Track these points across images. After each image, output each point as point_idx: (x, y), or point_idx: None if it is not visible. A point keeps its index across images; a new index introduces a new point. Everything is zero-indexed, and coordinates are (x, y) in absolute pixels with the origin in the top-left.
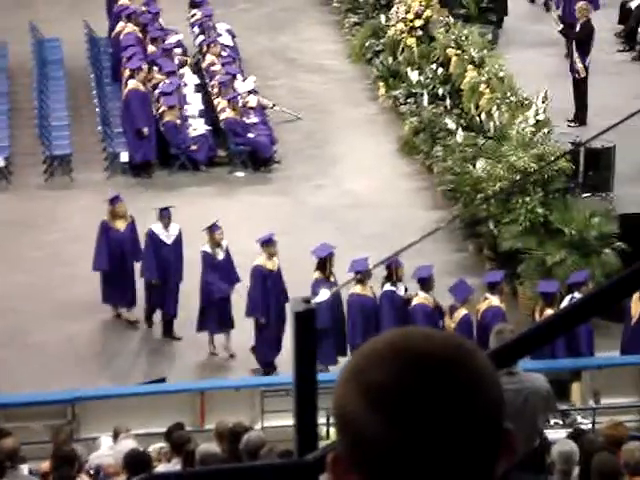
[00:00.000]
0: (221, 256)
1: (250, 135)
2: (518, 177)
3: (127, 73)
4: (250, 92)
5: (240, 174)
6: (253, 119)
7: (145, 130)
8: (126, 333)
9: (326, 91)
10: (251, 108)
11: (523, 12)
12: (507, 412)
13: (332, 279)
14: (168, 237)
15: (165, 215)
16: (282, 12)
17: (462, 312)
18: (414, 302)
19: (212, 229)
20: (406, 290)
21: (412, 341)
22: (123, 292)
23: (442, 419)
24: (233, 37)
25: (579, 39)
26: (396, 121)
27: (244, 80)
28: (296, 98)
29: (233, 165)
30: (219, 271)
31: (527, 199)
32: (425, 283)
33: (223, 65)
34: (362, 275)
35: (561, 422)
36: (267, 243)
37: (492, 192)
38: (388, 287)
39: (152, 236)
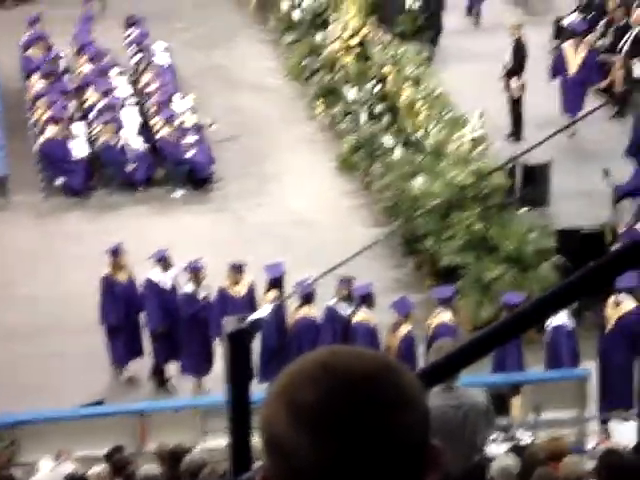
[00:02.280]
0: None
1: (188, 154)
2: (455, 193)
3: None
4: (188, 111)
5: (178, 193)
6: (191, 138)
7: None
8: (66, 356)
9: (264, 109)
10: (188, 127)
11: (459, 29)
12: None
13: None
14: (168, 282)
15: (163, 258)
16: (219, 31)
17: (405, 328)
18: (355, 320)
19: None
20: (349, 307)
21: (340, 360)
22: (133, 345)
23: (369, 437)
24: (170, 56)
25: (514, 59)
26: (334, 139)
27: (181, 99)
28: (234, 117)
29: (171, 184)
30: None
31: (465, 215)
32: (366, 300)
33: (160, 84)
34: (306, 296)
35: (501, 437)
36: (236, 269)
37: (430, 206)
38: (331, 303)
39: (151, 284)
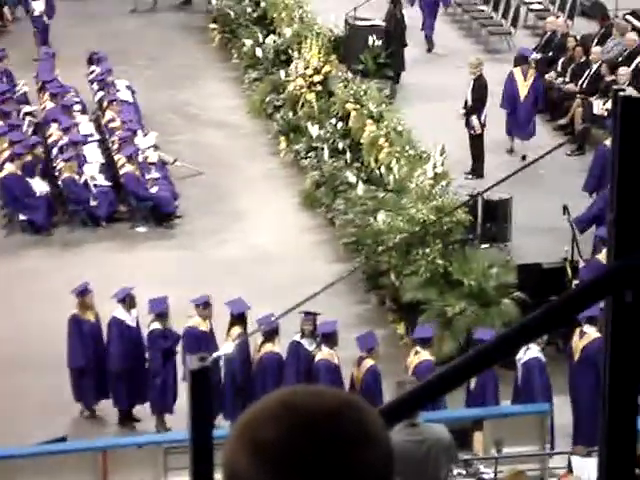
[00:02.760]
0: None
1: (151, 190)
2: (418, 229)
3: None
4: (151, 148)
5: (142, 229)
6: (154, 174)
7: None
8: (28, 394)
9: (227, 146)
10: (152, 163)
11: (420, 67)
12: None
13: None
14: (132, 320)
15: (126, 297)
16: (182, 68)
17: (369, 363)
18: (318, 358)
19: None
20: (314, 343)
21: (301, 398)
22: (100, 386)
23: (330, 475)
24: (133, 93)
25: (474, 97)
26: (297, 175)
27: (145, 136)
28: (197, 153)
29: (134, 220)
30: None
31: (427, 251)
32: (329, 338)
33: (123, 121)
34: (270, 332)
35: (464, 472)
36: (202, 305)
37: (393, 244)
38: (296, 338)
39: (117, 323)
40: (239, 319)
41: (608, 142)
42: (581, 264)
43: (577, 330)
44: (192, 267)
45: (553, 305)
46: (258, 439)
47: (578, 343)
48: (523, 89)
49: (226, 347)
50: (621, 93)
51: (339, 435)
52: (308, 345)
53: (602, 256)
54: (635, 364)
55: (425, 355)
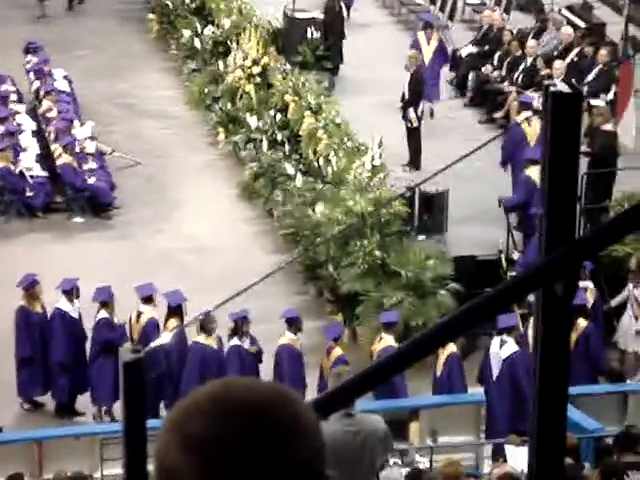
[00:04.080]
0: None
1: (89, 181)
2: (355, 220)
3: None
4: (88, 138)
5: (79, 220)
6: (91, 165)
7: None
8: None
9: (166, 137)
10: (89, 154)
11: (358, 60)
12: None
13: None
14: (75, 312)
15: (70, 288)
16: (120, 59)
17: (338, 352)
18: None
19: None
20: (252, 343)
21: (233, 391)
22: (46, 378)
23: (261, 468)
24: (70, 83)
25: (411, 90)
26: (236, 166)
27: (82, 126)
28: (135, 144)
29: (71, 211)
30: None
31: (365, 242)
32: (293, 323)
33: (60, 111)
34: (207, 324)
35: (400, 461)
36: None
37: (331, 235)
38: (235, 342)
39: (61, 314)
40: (176, 311)
41: (520, 119)
42: (516, 255)
43: (496, 340)
44: (129, 258)
45: (486, 297)
46: (189, 432)
47: (497, 353)
48: (428, 53)
49: (164, 338)
50: (552, 89)
51: (270, 428)
52: (246, 344)
53: (529, 171)
54: (564, 356)
55: (390, 341)
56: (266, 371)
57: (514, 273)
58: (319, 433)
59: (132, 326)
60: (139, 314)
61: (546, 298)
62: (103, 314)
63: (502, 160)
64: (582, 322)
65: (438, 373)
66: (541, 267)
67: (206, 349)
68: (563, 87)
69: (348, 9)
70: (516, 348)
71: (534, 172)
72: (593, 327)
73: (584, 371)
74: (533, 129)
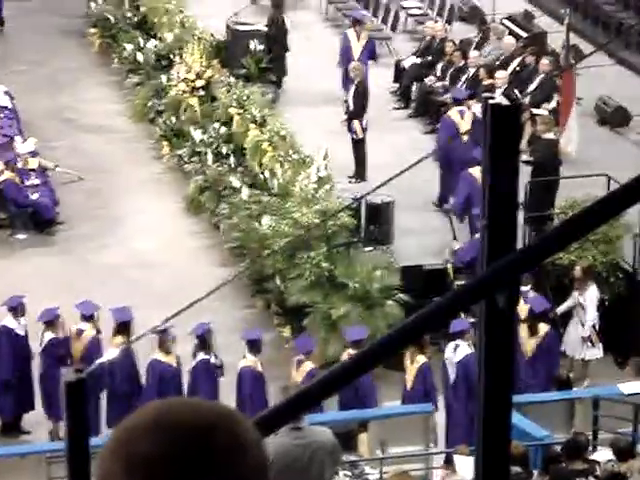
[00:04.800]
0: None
1: (31, 197)
2: (302, 232)
3: None
4: (31, 154)
5: (21, 236)
6: (34, 181)
7: None
8: None
9: (109, 151)
10: (32, 170)
11: (303, 72)
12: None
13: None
14: (22, 329)
15: (16, 305)
16: (61, 73)
17: (308, 366)
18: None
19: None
20: (215, 357)
21: (176, 412)
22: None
23: None
24: (11, 98)
25: (356, 102)
26: (181, 180)
27: (24, 142)
28: (78, 159)
29: (14, 227)
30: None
31: (312, 254)
32: (254, 345)
33: (1, 127)
34: (164, 341)
35: (349, 473)
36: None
37: (277, 247)
38: (202, 356)
39: (6, 331)
40: (123, 327)
41: (451, 113)
42: (457, 246)
43: (450, 345)
44: (74, 274)
45: (428, 311)
46: (131, 453)
47: (451, 357)
48: (357, 49)
49: (110, 353)
50: (491, 101)
51: (213, 448)
52: (214, 358)
53: (472, 169)
54: (508, 367)
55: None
56: (226, 386)
57: (461, 282)
58: (262, 452)
59: (73, 343)
60: (80, 332)
61: (488, 309)
62: (50, 335)
63: (436, 154)
64: (543, 327)
65: (409, 386)
66: (483, 278)
67: (165, 366)
68: (502, 99)
69: None
70: (469, 351)
71: (476, 171)
72: (553, 332)
73: (545, 376)
74: (466, 122)
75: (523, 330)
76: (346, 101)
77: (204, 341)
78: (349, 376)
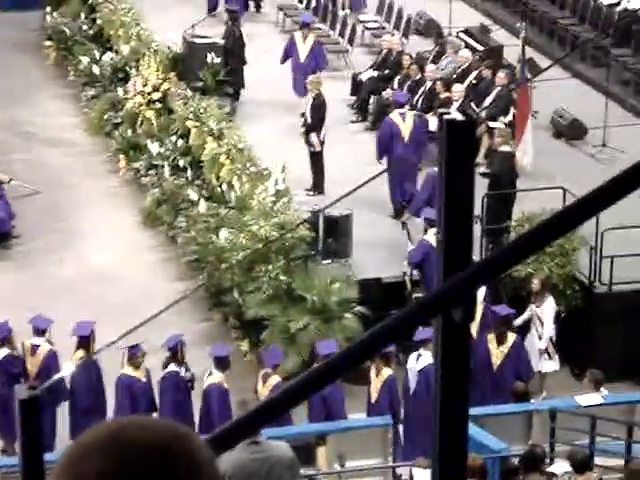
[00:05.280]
0: None
1: None
2: (260, 245)
3: None
4: None
5: None
6: None
7: None
8: None
9: (66, 164)
10: None
11: (260, 84)
12: None
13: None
14: None
15: None
16: (17, 87)
17: (275, 379)
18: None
19: None
20: (186, 370)
21: (129, 430)
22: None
23: None
24: None
25: (314, 115)
26: (138, 193)
27: None
28: (35, 172)
29: None
30: None
31: (270, 267)
32: (221, 362)
33: None
34: (134, 355)
35: None
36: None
37: (235, 261)
38: (172, 368)
39: None
40: (84, 341)
41: (393, 116)
42: (410, 247)
43: (413, 354)
44: (30, 288)
45: (386, 325)
46: (84, 470)
47: (413, 366)
48: (303, 51)
49: (66, 369)
50: (446, 117)
51: (165, 467)
52: (183, 372)
53: (429, 236)
54: (464, 380)
55: None
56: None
57: (419, 294)
58: (215, 470)
59: (27, 359)
60: (34, 347)
61: (445, 323)
62: (5, 351)
63: (378, 155)
64: (511, 336)
65: (373, 399)
66: (439, 293)
67: (134, 381)
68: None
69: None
70: (432, 360)
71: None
72: (521, 340)
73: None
74: (407, 125)
75: (491, 341)
76: (304, 114)
77: (175, 353)
78: (309, 389)
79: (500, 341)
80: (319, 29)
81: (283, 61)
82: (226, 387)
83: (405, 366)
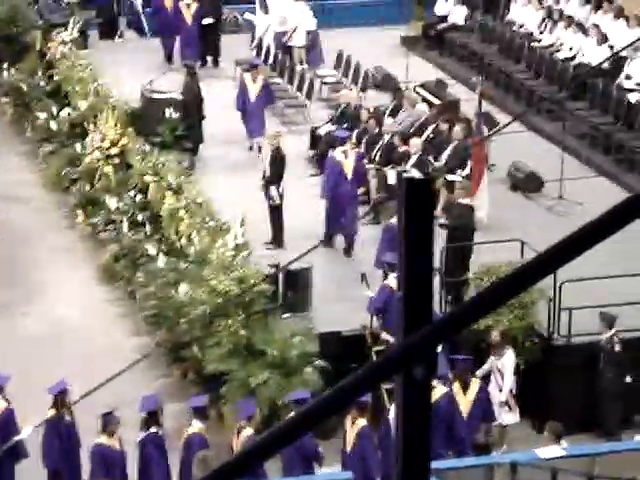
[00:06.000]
0: None
1: None
2: (220, 300)
3: None
4: None
5: None
6: None
7: None
8: None
9: (23, 220)
10: None
11: (219, 139)
12: None
13: (68, 417)
14: None
15: None
16: None
17: (249, 431)
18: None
19: None
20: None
21: None
22: None
23: None
24: None
25: (273, 168)
26: (96, 248)
27: None
28: None
29: None
30: None
31: (229, 321)
32: (200, 413)
33: None
34: (108, 424)
35: None
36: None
37: (194, 315)
38: (153, 429)
39: None
40: (56, 401)
41: (336, 154)
42: (369, 294)
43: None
44: None
45: (346, 384)
46: None
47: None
48: (253, 91)
49: (25, 432)
50: (405, 175)
51: None
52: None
53: (390, 281)
54: (425, 435)
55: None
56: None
57: (379, 348)
58: None
59: None
60: None
61: (405, 380)
62: None
63: (322, 193)
64: (475, 382)
65: (348, 448)
66: (399, 351)
67: (109, 450)
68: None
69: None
70: (365, 423)
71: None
72: (485, 386)
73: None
74: (350, 161)
75: (456, 388)
76: (263, 169)
77: (155, 415)
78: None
79: (465, 389)
80: (302, 105)
81: (238, 106)
82: (207, 437)
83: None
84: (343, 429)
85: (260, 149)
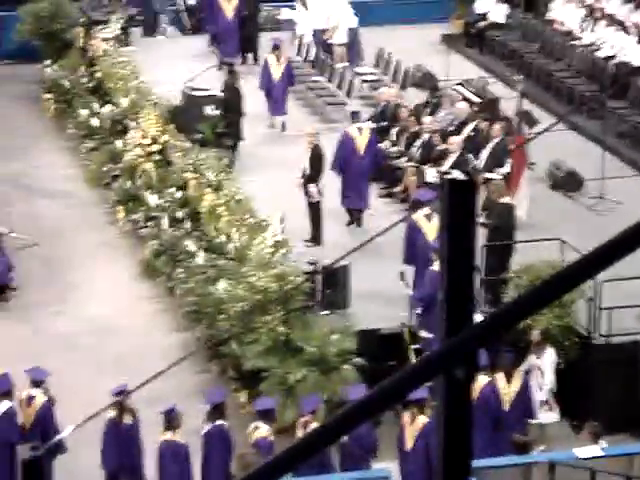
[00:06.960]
0: None
1: None
2: (259, 297)
3: None
4: None
5: None
6: None
7: None
8: None
9: (64, 216)
10: None
11: (258, 137)
12: None
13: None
14: None
15: None
16: (16, 139)
17: (315, 425)
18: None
19: None
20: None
21: None
22: None
23: None
24: None
25: (311, 166)
26: (136, 245)
27: None
28: (33, 224)
29: None
30: None
31: (268, 318)
32: (267, 415)
33: None
34: (171, 420)
35: None
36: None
37: (233, 312)
38: (220, 421)
39: None
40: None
41: (351, 130)
42: (409, 292)
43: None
44: (29, 340)
45: (387, 385)
46: None
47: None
48: (277, 72)
49: (67, 429)
50: (447, 176)
51: None
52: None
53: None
54: (467, 437)
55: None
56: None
57: (417, 346)
58: None
59: (22, 410)
60: (30, 398)
61: (447, 381)
62: (6, 404)
63: (336, 168)
64: (518, 374)
65: (409, 445)
66: (441, 352)
67: (175, 445)
68: (458, 174)
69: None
70: (427, 420)
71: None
72: (528, 378)
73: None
74: (364, 137)
75: (500, 379)
76: (303, 166)
77: (220, 407)
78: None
79: (509, 380)
80: (342, 103)
81: (262, 85)
82: (272, 440)
83: (401, 423)
84: (399, 427)
85: (284, 126)
